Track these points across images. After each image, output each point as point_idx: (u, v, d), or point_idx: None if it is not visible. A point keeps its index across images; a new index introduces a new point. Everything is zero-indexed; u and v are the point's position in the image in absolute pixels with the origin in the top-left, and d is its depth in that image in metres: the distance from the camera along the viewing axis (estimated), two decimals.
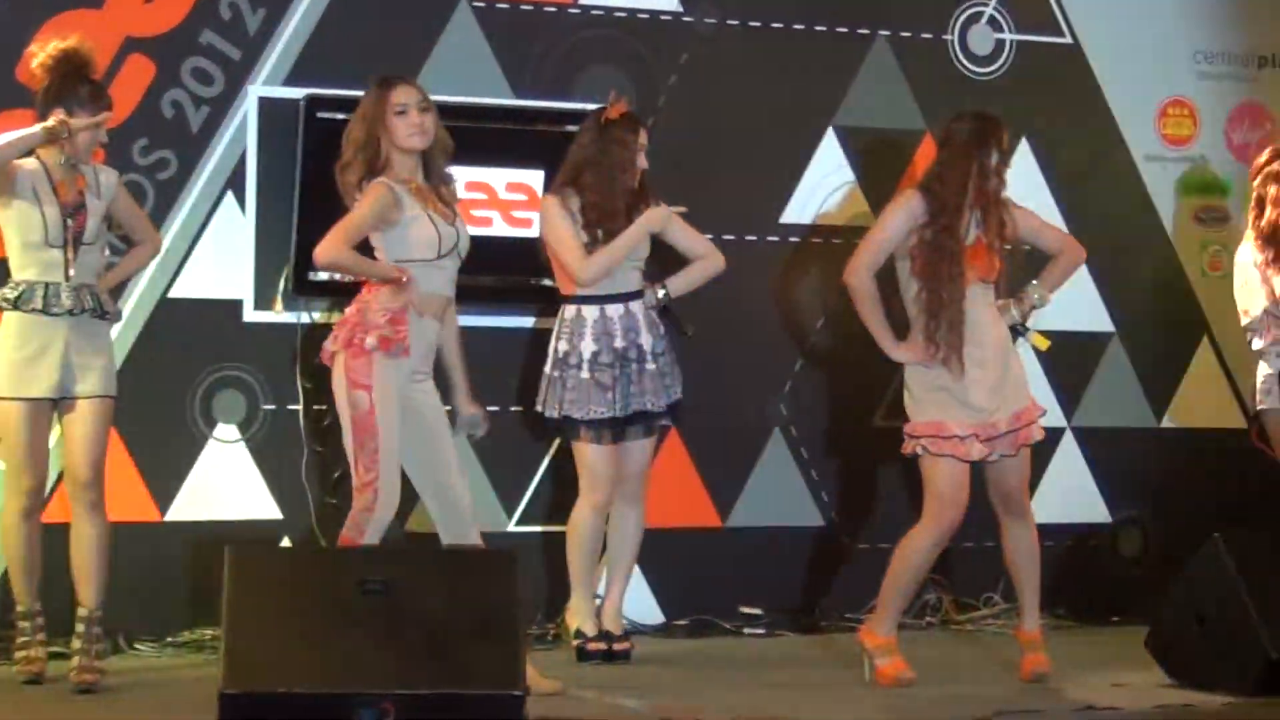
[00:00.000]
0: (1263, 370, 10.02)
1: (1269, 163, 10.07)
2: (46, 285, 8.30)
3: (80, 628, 8.32)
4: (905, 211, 8.85)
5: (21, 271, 8.35)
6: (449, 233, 8.33)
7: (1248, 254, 9.99)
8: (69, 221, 8.32)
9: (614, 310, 9.19)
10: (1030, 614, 8.96)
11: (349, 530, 8.24)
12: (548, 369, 9.24)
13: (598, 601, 9.43)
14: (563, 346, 9.18)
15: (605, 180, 9.18)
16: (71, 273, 8.32)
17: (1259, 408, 10.08)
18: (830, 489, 10.45)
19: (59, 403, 8.35)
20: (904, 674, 8.76)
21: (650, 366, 9.19)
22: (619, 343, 9.16)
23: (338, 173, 8.30)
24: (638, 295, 9.23)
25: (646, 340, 9.20)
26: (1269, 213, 9.93)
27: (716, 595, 10.09)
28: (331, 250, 8.24)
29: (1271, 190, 9.95)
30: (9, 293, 8.34)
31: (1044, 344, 9.17)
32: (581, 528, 9.25)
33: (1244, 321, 10.00)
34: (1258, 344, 10.01)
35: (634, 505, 9.35)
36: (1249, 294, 9.97)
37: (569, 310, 9.23)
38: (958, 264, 8.73)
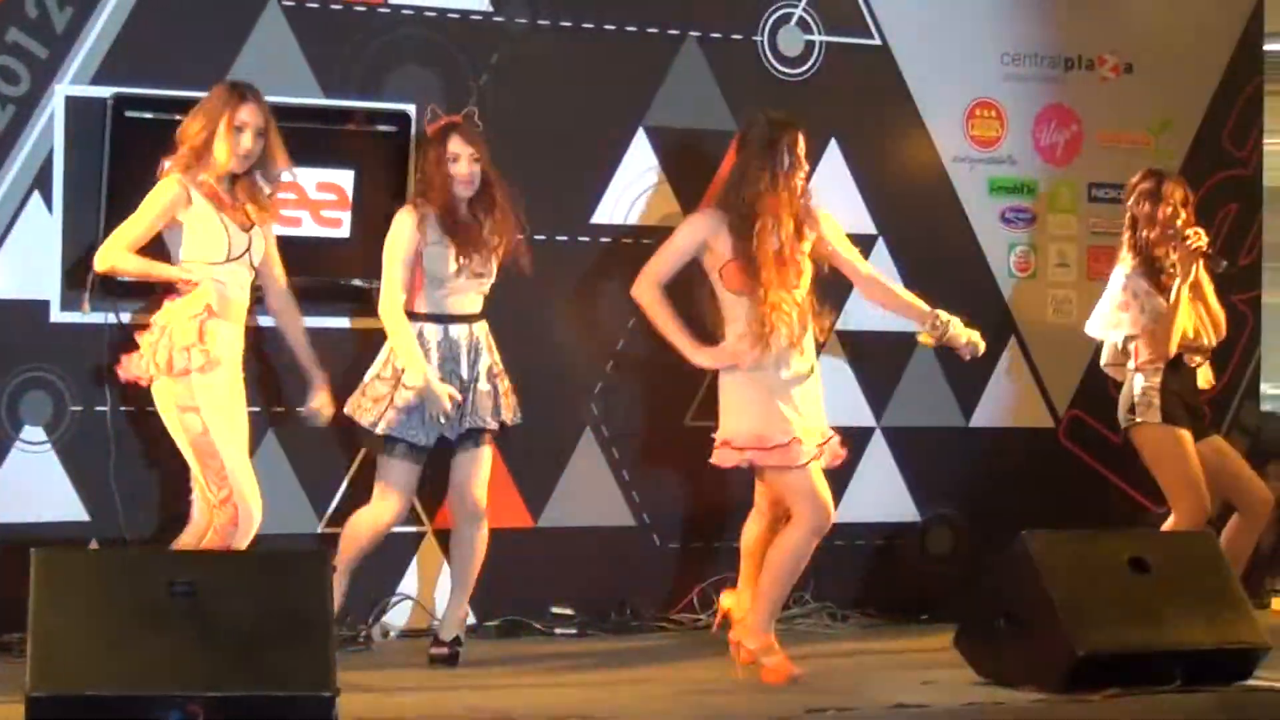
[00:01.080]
0: (1139, 384, 10.14)
1: (1142, 181, 10.25)
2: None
3: None
4: (692, 228, 9.12)
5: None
6: (240, 238, 8.33)
7: (1122, 274, 10.17)
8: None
9: (458, 331, 9.18)
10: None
11: (216, 545, 8.27)
12: (377, 378, 9.19)
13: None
14: (399, 365, 9.14)
15: (435, 193, 9.21)
16: None
17: (1137, 420, 10.20)
18: (641, 489, 10.45)
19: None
20: (793, 671, 8.84)
21: (485, 388, 9.20)
22: (461, 367, 9.16)
23: (164, 164, 8.37)
24: (480, 318, 9.24)
25: (483, 362, 9.21)
26: (1144, 232, 10.12)
27: (528, 596, 10.09)
28: (109, 256, 8.31)
29: (1145, 208, 10.12)
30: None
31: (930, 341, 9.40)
32: (362, 529, 9.28)
33: (1119, 339, 10.22)
34: (1133, 362, 10.16)
35: (474, 523, 9.34)
36: (1129, 316, 10.14)
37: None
38: (767, 272, 8.81)
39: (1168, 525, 10.15)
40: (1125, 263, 10.21)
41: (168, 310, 8.46)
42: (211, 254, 8.44)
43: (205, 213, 8.46)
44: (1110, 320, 10.23)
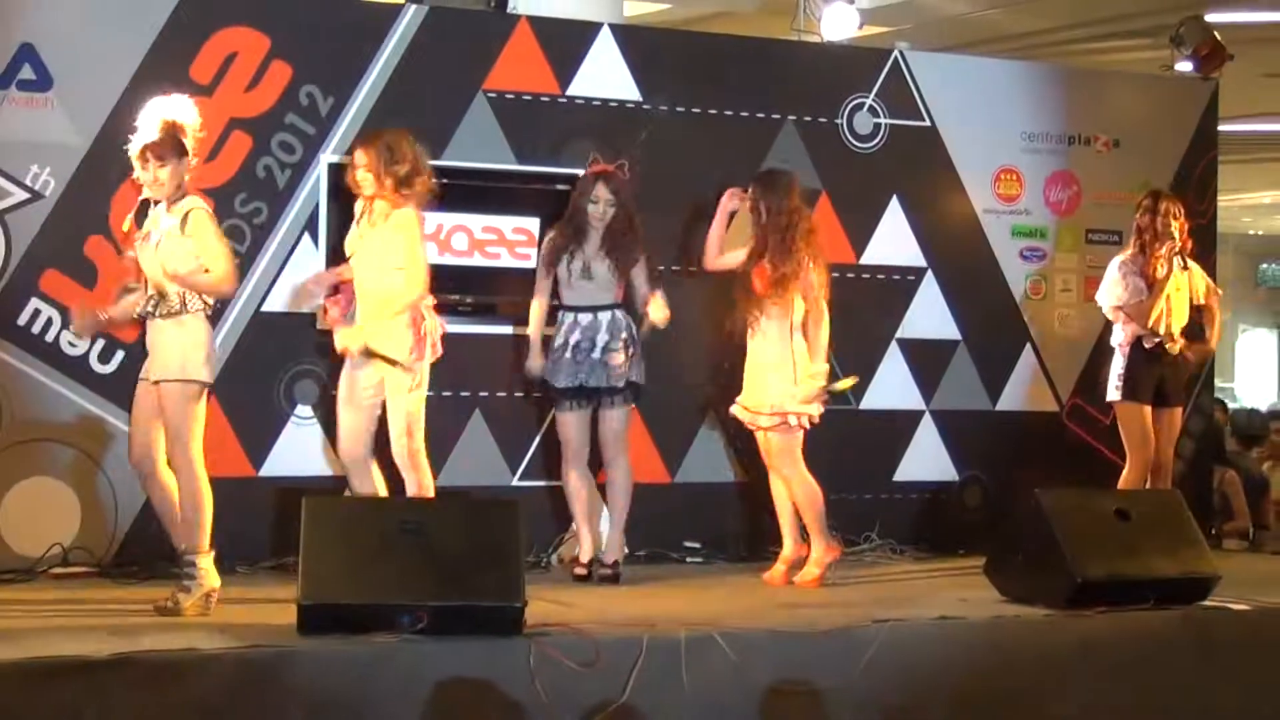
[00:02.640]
0: (1116, 365, 10.26)
1: (1145, 198, 10.37)
2: None
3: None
4: None
5: None
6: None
7: (1118, 260, 10.33)
8: None
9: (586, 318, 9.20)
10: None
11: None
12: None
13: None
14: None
15: (573, 221, 9.23)
16: None
17: (1109, 396, 10.27)
18: (748, 453, 10.39)
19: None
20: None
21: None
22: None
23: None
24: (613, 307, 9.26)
25: (601, 338, 9.19)
26: (1144, 234, 10.25)
27: (666, 533, 10.04)
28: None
29: (1146, 217, 10.25)
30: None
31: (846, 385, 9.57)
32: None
33: (1110, 308, 10.37)
34: (1116, 340, 10.29)
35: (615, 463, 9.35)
36: (1117, 291, 10.24)
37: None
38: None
39: (1123, 476, 10.15)
40: (1124, 253, 10.29)
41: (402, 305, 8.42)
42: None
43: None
44: (1106, 291, 10.31)
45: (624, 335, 9.19)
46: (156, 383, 7.74)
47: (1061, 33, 15.53)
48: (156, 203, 7.86)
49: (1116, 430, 10.43)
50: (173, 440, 7.76)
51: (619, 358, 9.15)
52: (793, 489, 9.32)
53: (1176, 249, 10.19)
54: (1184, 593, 8.47)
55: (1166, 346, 10.18)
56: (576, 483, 9.29)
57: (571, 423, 9.22)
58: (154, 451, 7.90)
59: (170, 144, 7.77)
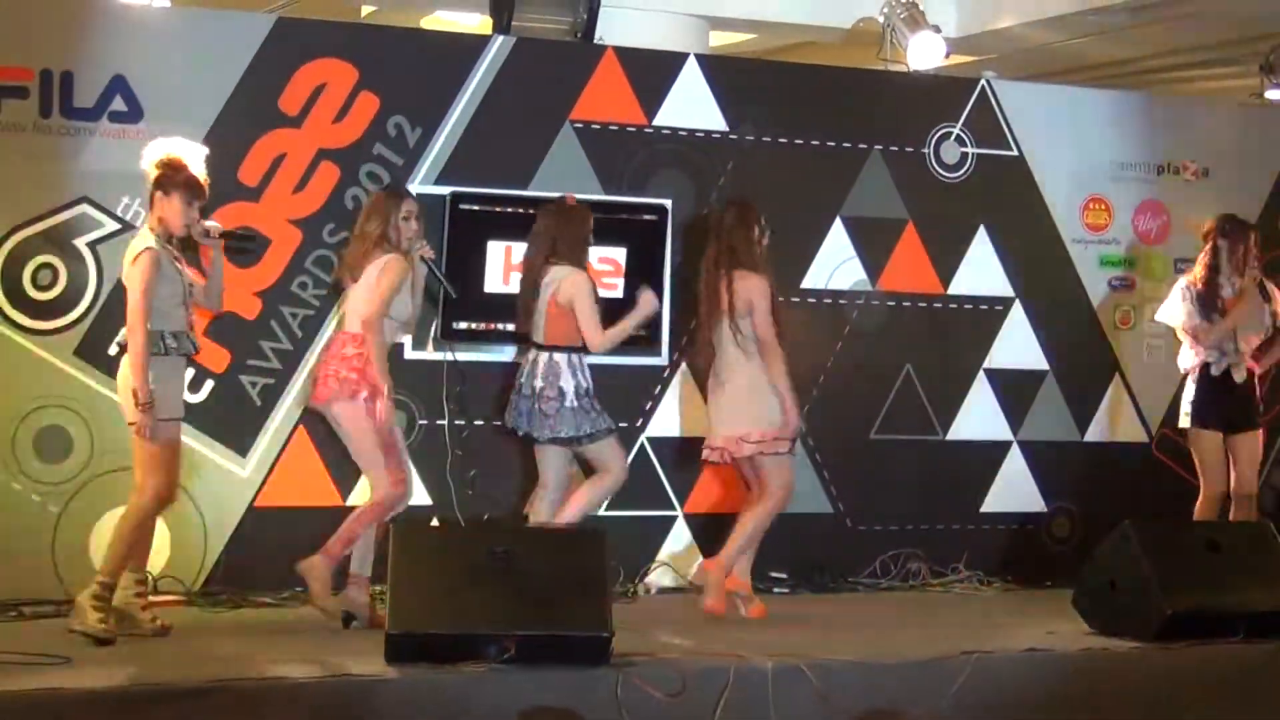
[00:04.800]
0: (1187, 394, 10.19)
1: (1223, 222, 10.25)
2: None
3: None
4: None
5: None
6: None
7: (1184, 281, 10.24)
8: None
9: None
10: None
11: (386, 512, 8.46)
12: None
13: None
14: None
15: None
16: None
17: (1180, 425, 10.25)
18: (836, 484, 10.41)
19: None
20: (762, 610, 9.08)
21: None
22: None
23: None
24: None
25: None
26: (1220, 259, 10.14)
27: (754, 563, 10.03)
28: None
29: (1224, 243, 10.14)
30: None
31: None
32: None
33: (1173, 326, 10.30)
34: (1185, 366, 10.21)
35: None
36: (1180, 311, 10.17)
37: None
38: None
39: (1197, 505, 10.12)
40: (1190, 274, 10.25)
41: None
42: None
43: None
44: (1168, 310, 10.27)
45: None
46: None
47: (1149, 61, 15.44)
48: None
49: None
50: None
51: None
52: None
53: (1257, 277, 10.14)
54: (1275, 626, 8.41)
55: (1233, 373, 10.11)
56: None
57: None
58: None
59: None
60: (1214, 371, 10.10)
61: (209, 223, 8.20)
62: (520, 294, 9.12)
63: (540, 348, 8.96)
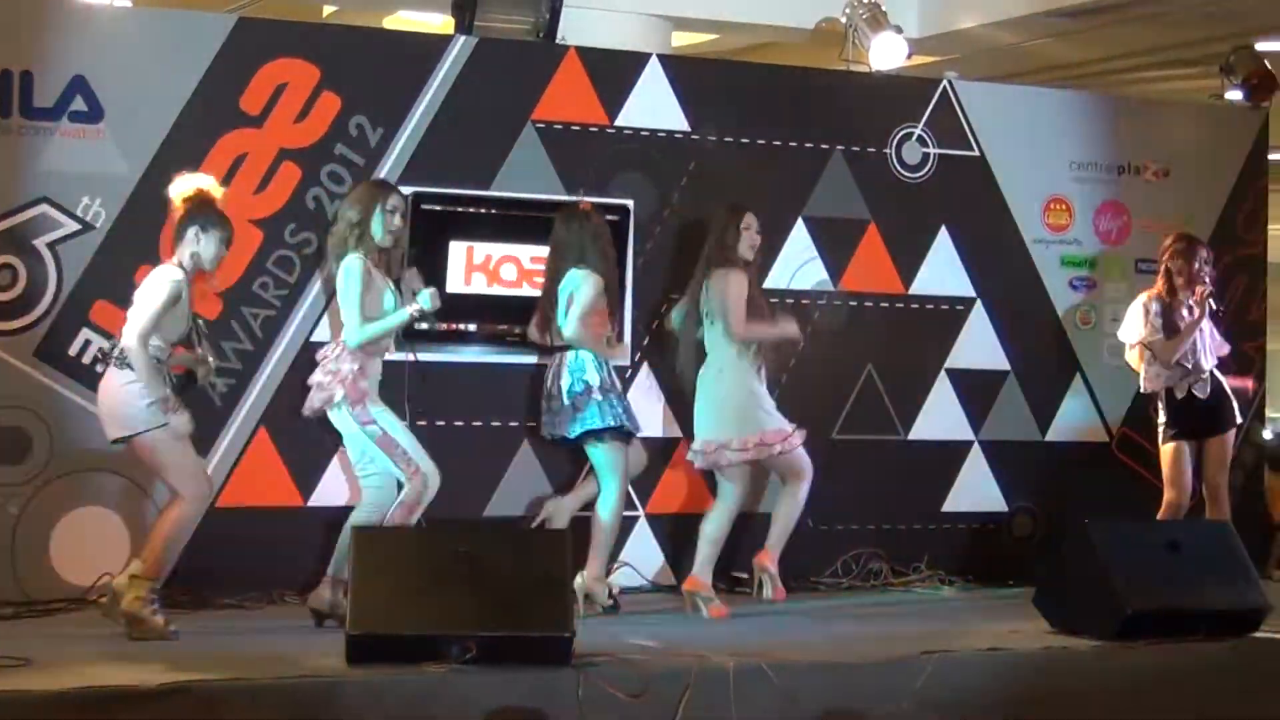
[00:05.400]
0: (1160, 411, 10.28)
1: (1175, 242, 10.41)
2: None
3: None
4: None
5: None
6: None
7: (1143, 298, 10.37)
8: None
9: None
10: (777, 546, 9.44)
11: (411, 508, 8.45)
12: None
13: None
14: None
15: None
16: None
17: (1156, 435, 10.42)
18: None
19: None
20: (723, 611, 9.06)
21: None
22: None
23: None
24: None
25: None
26: (1175, 278, 10.29)
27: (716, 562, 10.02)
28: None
29: (1179, 262, 10.30)
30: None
31: None
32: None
33: (1132, 345, 10.46)
34: (1145, 386, 10.38)
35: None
36: (1137, 328, 10.32)
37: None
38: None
39: (1161, 509, 10.23)
40: (1150, 291, 10.37)
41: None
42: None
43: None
44: (1129, 327, 10.40)
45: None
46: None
47: (1111, 62, 15.52)
48: None
49: None
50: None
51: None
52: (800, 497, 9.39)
53: (1208, 293, 10.22)
54: (1234, 624, 8.46)
55: (1195, 391, 10.21)
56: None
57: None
58: None
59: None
60: (1178, 395, 10.20)
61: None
62: (540, 302, 9.30)
63: (561, 349, 9.15)
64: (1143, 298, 10.37)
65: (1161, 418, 10.31)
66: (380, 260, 8.62)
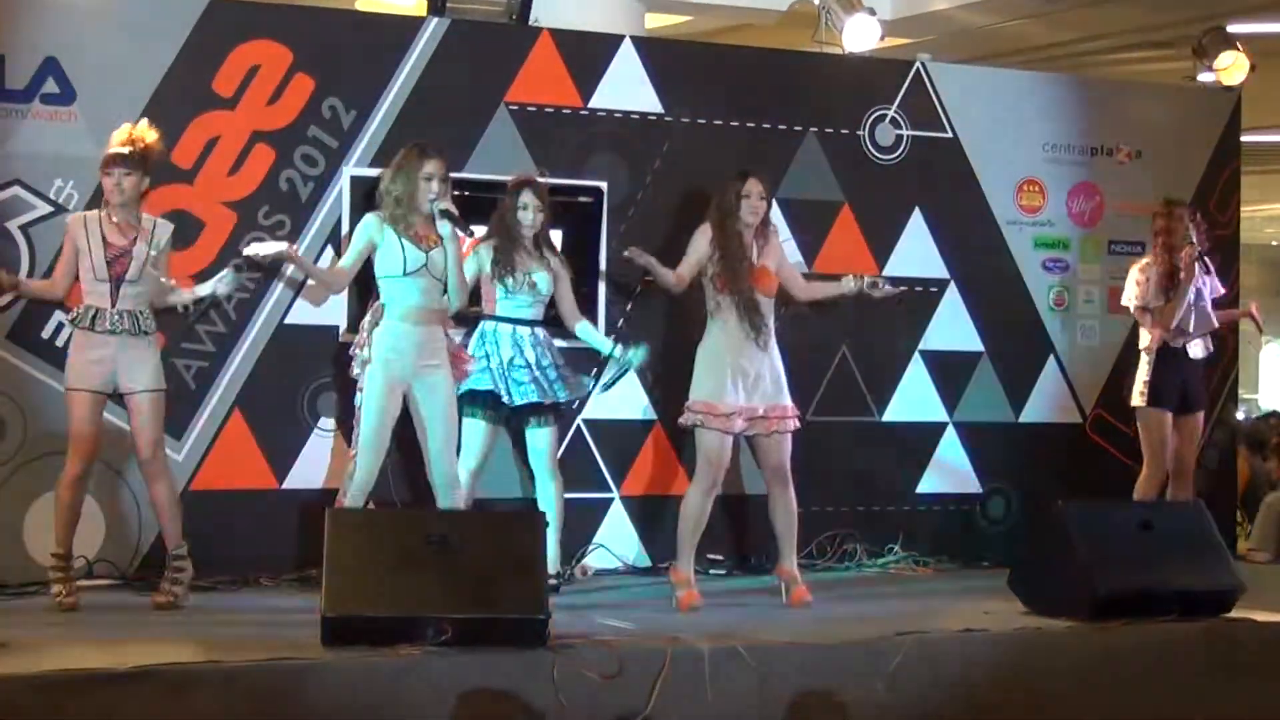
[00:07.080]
0: (1141, 373, 10.43)
1: (1164, 207, 10.53)
2: (96, 310, 8.23)
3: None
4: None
5: (84, 299, 8.29)
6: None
7: (1140, 263, 10.52)
8: (112, 263, 8.25)
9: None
10: (788, 556, 9.09)
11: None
12: None
13: None
14: None
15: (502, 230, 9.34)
16: (115, 302, 8.26)
17: (1134, 403, 10.50)
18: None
19: (125, 397, 8.31)
20: (696, 601, 8.80)
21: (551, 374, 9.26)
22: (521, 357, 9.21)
23: None
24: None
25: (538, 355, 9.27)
26: (1161, 239, 10.41)
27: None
28: None
29: (1164, 224, 10.44)
30: (72, 315, 8.29)
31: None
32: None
33: (1132, 305, 10.56)
34: (1143, 344, 10.46)
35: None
36: (1139, 290, 10.42)
37: None
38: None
39: (1139, 482, 10.30)
40: (1144, 258, 10.50)
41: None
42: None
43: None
44: (1129, 292, 10.48)
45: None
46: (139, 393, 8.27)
47: (1084, 44, 15.54)
48: None
49: (1139, 441, 10.45)
50: (158, 444, 8.32)
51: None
52: (791, 498, 9.23)
53: (1196, 253, 10.26)
54: (1207, 605, 8.48)
55: (1189, 349, 10.26)
56: None
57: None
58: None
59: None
60: (1173, 345, 10.23)
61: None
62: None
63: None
64: (1139, 263, 10.50)
65: (1144, 375, 10.32)
66: (426, 227, 8.69)
